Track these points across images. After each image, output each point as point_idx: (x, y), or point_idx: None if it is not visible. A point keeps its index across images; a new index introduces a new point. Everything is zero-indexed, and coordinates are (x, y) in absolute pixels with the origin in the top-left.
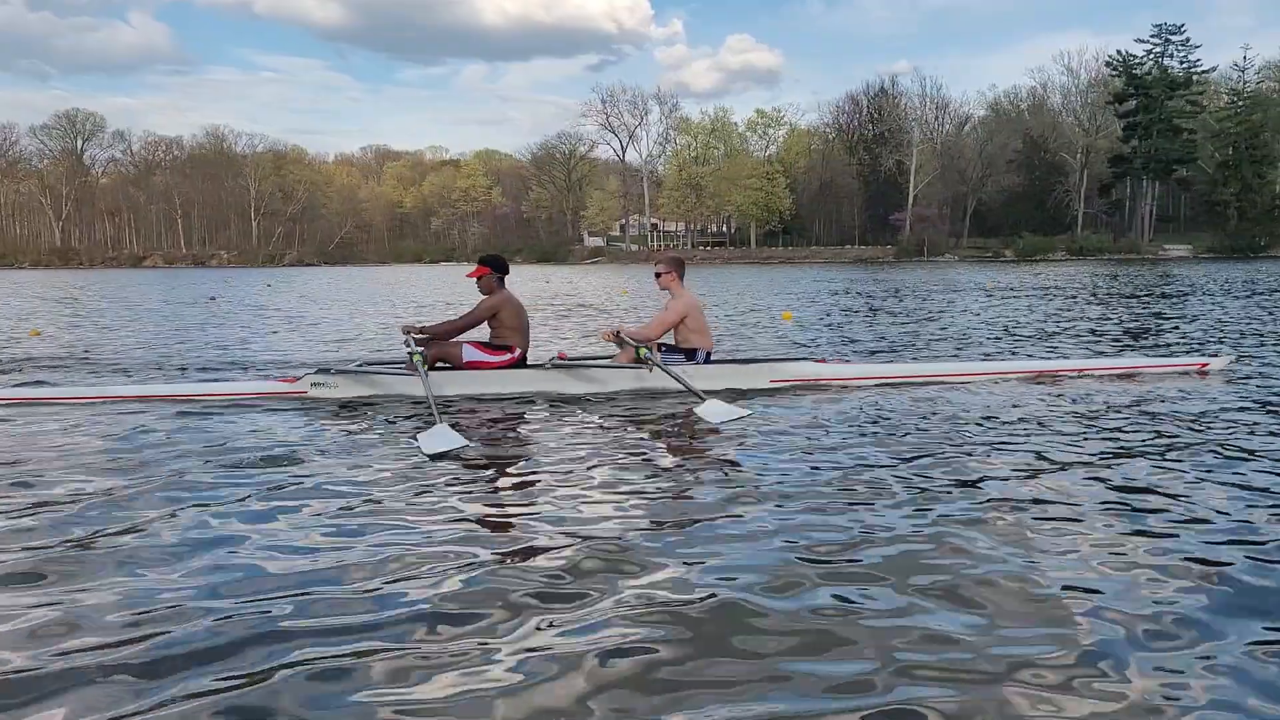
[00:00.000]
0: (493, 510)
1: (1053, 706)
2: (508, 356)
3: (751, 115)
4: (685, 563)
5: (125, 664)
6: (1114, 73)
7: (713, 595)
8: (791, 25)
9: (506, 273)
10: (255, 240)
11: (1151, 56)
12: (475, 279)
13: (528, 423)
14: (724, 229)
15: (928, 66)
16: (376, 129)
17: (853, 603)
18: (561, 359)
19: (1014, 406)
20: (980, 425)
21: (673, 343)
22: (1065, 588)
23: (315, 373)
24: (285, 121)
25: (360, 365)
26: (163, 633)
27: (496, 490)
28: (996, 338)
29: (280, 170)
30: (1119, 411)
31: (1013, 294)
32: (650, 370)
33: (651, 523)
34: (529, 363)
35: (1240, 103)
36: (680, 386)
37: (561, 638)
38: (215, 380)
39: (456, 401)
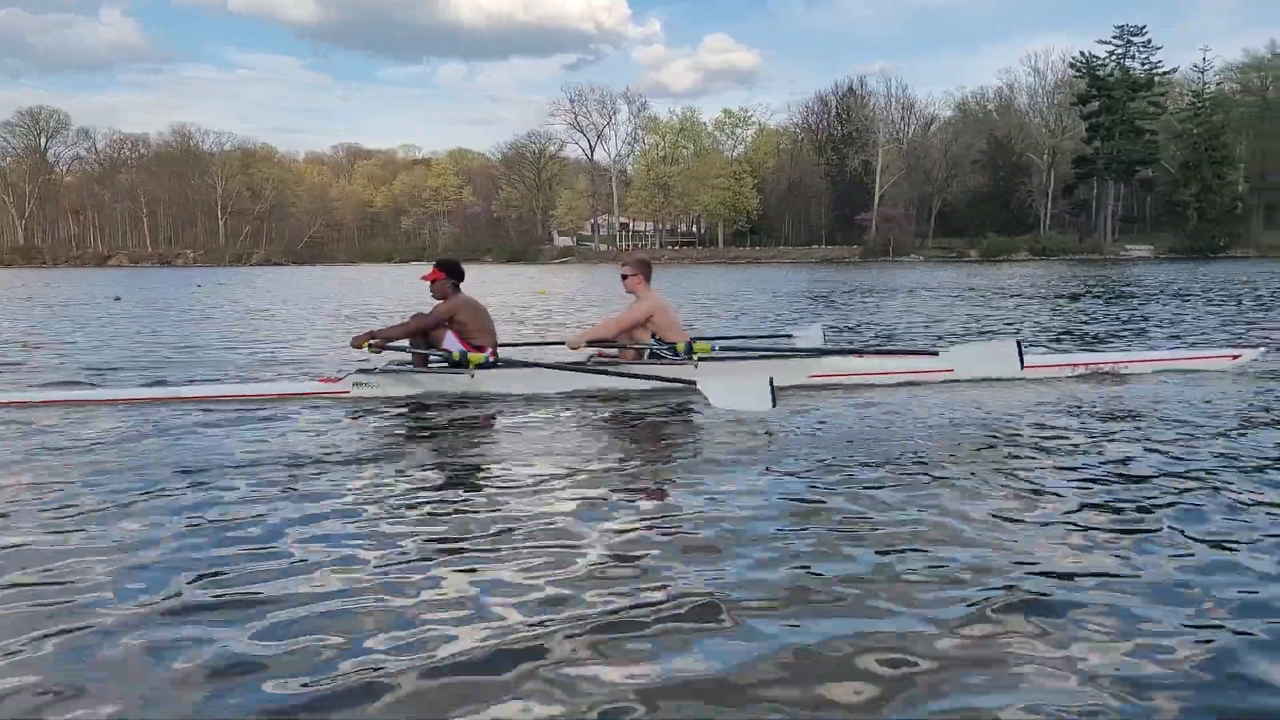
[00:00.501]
0: (535, 511)
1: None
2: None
3: (719, 115)
4: (709, 564)
5: (156, 664)
6: (1077, 74)
7: (737, 596)
8: (771, 25)
9: (461, 278)
10: (222, 239)
11: (1113, 58)
12: (430, 283)
13: (572, 421)
14: (694, 229)
15: (911, 66)
16: (362, 128)
17: (876, 609)
18: (602, 357)
19: (1053, 401)
20: (1022, 420)
21: (654, 340)
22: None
23: (357, 372)
24: (267, 119)
25: (402, 364)
26: (203, 626)
27: (544, 491)
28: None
29: (248, 169)
30: (1162, 405)
31: (933, 295)
32: (696, 366)
33: (690, 523)
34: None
35: (1200, 104)
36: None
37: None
38: (255, 381)
39: (501, 399)
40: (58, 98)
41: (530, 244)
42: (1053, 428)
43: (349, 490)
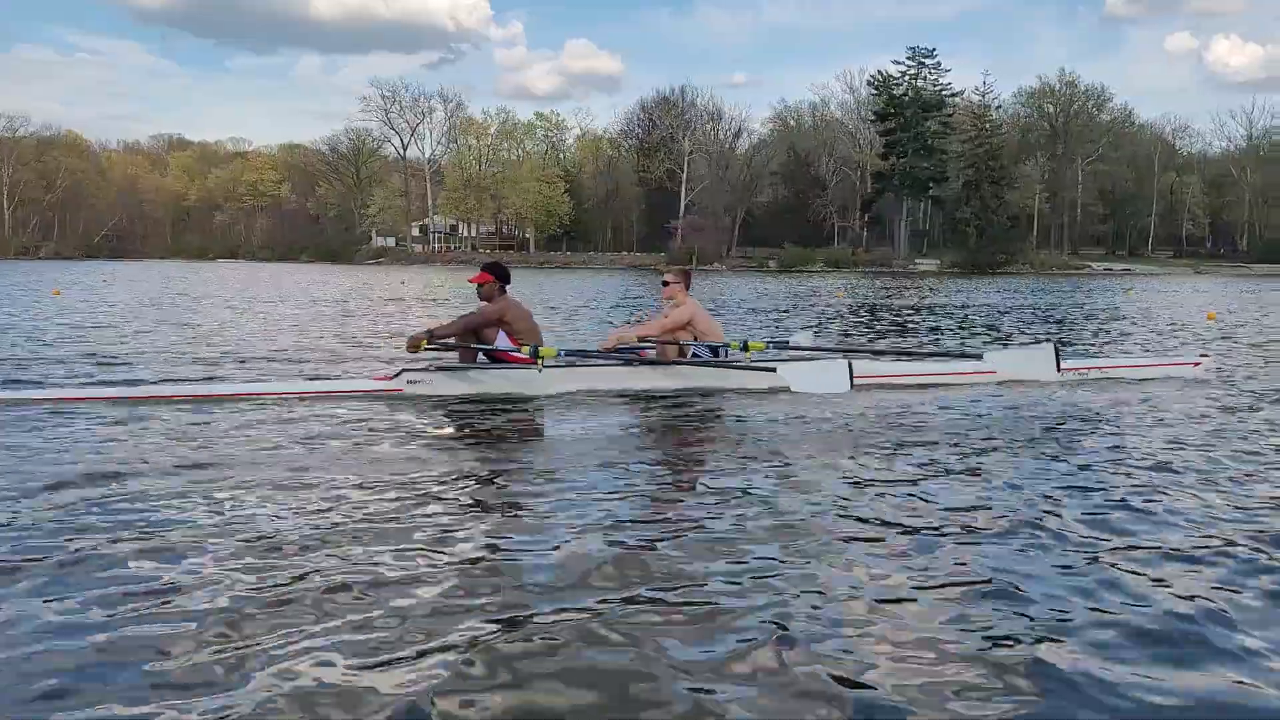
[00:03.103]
0: (592, 512)
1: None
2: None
3: (530, 117)
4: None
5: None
6: (875, 92)
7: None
8: (633, 32)
9: (508, 280)
10: (8, 231)
11: (906, 78)
12: (477, 285)
13: (636, 419)
14: (515, 233)
15: (765, 79)
16: (207, 119)
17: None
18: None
19: (1042, 404)
20: (1003, 421)
21: (695, 341)
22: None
23: (412, 370)
24: (105, 106)
25: (459, 361)
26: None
27: (600, 492)
28: None
29: (42, 156)
30: (1122, 411)
31: None
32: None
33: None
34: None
35: (981, 126)
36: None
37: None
38: (309, 378)
39: (578, 395)
40: None
41: (347, 244)
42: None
43: (399, 489)
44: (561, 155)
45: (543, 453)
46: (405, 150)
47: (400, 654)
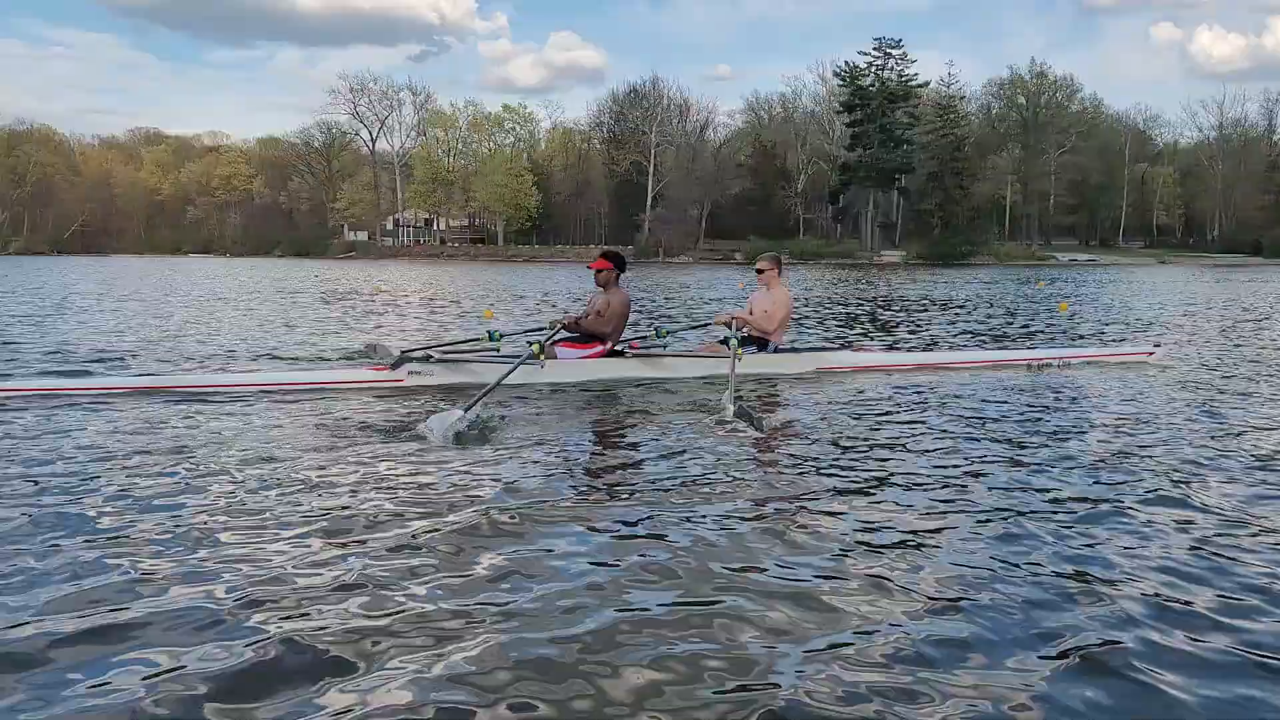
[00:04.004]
0: (583, 503)
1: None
2: (598, 349)
3: (498, 110)
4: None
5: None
6: (841, 83)
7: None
8: (617, 25)
9: (624, 269)
10: None
11: (872, 69)
12: (595, 271)
13: (628, 412)
14: (487, 226)
15: (752, 72)
16: (184, 113)
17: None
18: (634, 349)
19: (1017, 392)
20: (989, 410)
21: (751, 333)
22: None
23: (412, 360)
24: (79, 101)
25: (458, 352)
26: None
27: (591, 484)
28: None
29: (13, 151)
30: (1095, 400)
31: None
32: (741, 359)
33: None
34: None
35: (945, 117)
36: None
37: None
38: (310, 369)
39: (578, 386)
40: None
41: (319, 239)
42: (1013, 419)
43: (398, 479)
44: (533, 148)
45: (545, 443)
46: (374, 143)
47: (405, 646)
